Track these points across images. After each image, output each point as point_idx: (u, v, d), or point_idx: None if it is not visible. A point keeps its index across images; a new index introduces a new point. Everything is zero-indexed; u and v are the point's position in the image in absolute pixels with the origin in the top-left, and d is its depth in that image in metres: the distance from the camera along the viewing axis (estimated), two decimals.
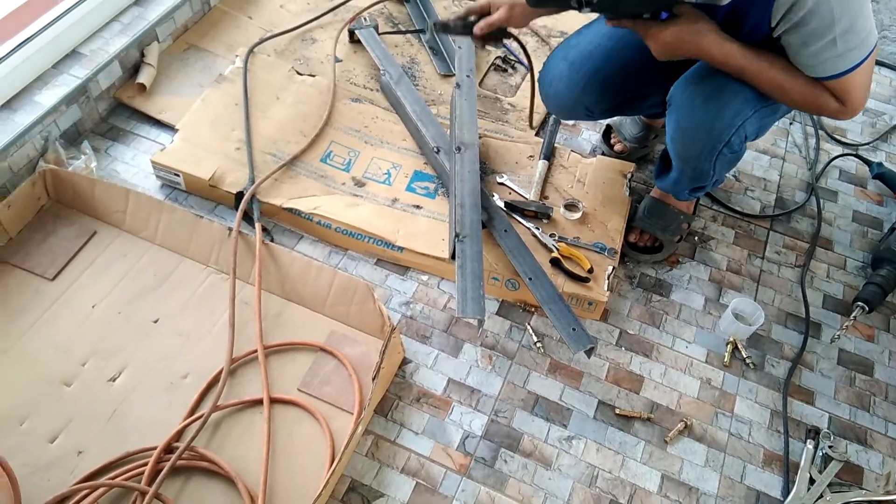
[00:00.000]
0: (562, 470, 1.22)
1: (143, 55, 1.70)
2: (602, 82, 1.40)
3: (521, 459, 1.23)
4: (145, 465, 1.12)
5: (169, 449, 1.15)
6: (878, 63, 2.10)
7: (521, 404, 1.30)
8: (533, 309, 1.42)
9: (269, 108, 1.66)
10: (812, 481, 1.22)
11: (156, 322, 1.32)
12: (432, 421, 1.26)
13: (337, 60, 1.83)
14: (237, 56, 1.75)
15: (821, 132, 1.88)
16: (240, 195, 1.47)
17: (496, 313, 1.42)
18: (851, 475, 1.26)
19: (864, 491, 1.21)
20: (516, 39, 1.56)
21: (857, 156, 1.82)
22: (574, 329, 1.29)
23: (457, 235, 1.35)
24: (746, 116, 1.22)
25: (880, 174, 1.74)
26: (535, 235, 1.47)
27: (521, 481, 1.20)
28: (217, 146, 1.56)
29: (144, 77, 1.66)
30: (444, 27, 1.44)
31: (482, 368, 1.33)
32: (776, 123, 1.87)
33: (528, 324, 1.40)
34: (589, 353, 1.29)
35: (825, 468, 1.24)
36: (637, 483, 1.22)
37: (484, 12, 1.38)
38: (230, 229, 1.39)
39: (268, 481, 1.13)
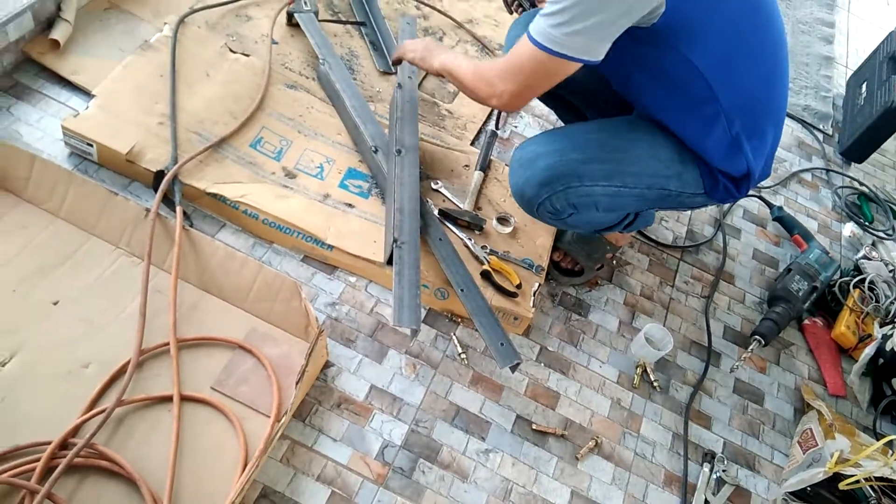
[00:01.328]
0: (478, 483, 1.23)
1: (59, 9, 1.54)
2: None
3: (438, 471, 1.23)
4: (37, 461, 1.02)
5: (65, 445, 1.05)
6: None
7: (442, 415, 1.29)
8: (459, 319, 1.43)
9: (197, 83, 1.57)
10: (706, 503, 1.29)
11: (56, 304, 1.20)
12: (352, 428, 1.23)
13: (273, 42, 1.75)
14: (166, 24, 1.64)
15: None
16: (160, 174, 1.37)
17: (423, 321, 1.41)
18: (741, 499, 1.35)
19: None
20: None
21: (760, 198, 1.96)
22: (503, 344, 1.31)
23: (395, 241, 1.33)
24: (554, 190, 1.24)
25: (780, 217, 1.89)
26: (467, 246, 1.48)
27: (437, 493, 1.20)
28: (137, 118, 1.45)
29: (59, 33, 1.51)
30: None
31: (406, 376, 1.32)
32: None
33: (454, 334, 1.40)
34: (514, 368, 1.31)
35: (719, 491, 1.32)
36: (548, 498, 1.25)
37: None
38: (147, 210, 1.30)
39: (174, 484, 1.06)
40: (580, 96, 1.51)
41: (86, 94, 1.48)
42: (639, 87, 1.24)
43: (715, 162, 1.26)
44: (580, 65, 1.08)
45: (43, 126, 1.44)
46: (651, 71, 1.18)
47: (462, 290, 1.36)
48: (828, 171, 2.14)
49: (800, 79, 2.49)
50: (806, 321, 1.67)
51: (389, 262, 1.35)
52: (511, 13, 1.55)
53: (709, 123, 1.20)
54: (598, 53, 1.06)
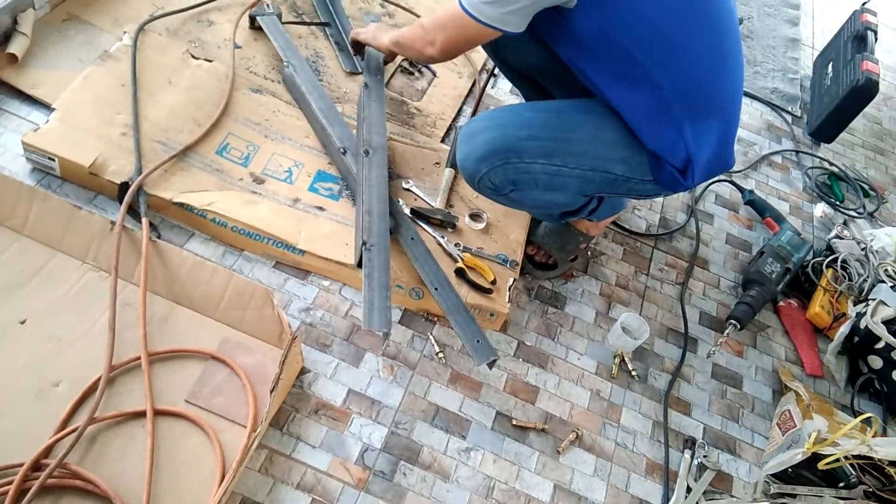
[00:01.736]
0: (460, 482, 1.23)
1: (15, 22, 1.52)
2: None
3: (420, 472, 1.22)
4: (10, 483, 1.00)
5: (37, 466, 1.03)
6: (750, 95, 2.30)
7: (421, 415, 1.29)
8: (436, 319, 1.42)
9: (159, 92, 1.54)
10: (689, 490, 1.30)
11: (22, 323, 1.18)
12: (330, 434, 1.22)
13: (236, 47, 1.73)
14: (125, 33, 1.61)
15: None
16: (125, 186, 1.35)
17: (399, 322, 1.40)
18: (723, 483, 1.36)
19: (734, 498, 1.32)
20: None
21: (731, 182, 1.97)
22: (478, 341, 1.30)
23: (364, 244, 1.32)
24: (493, 165, 1.26)
25: (751, 201, 1.90)
26: (440, 244, 1.47)
27: (419, 494, 1.20)
28: (99, 130, 1.42)
29: (16, 47, 1.48)
30: None
31: (383, 379, 1.31)
32: None
33: (431, 333, 1.39)
34: (491, 364, 1.31)
35: (700, 477, 1.33)
36: (531, 493, 1.25)
37: None
38: (112, 223, 1.28)
39: (150, 501, 1.05)
40: (548, 77, 1.51)
41: (46, 107, 1.46)
42: (579, 63, 1.25)
43: (654, 147, 1.26)
44: (499, 33, 1.17)
45: (3, 142, 1.41)
46: (583, 48, 1.20)
47: (436, 289, 1.35)
48: (798, 152, 2.16)
49: (767, 62, 2.51)
50: (781, 303, 1.69)
51: (360, 265, 1.34)
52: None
53: (645, 106, 1.22)
54: (517, 26, 1.16)
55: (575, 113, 1.30)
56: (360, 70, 1.75)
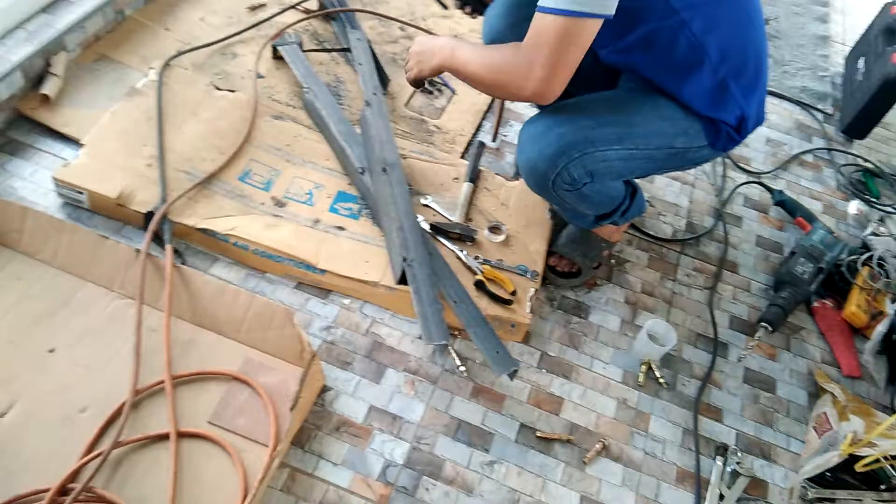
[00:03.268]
0: (484, 496, 1.22)
1: (49, 65, 1.60)
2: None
3: (443, 487, 1.21)
4: None
5: (63, 490, 1.06)
6: (778, 95, 2.25)
7: (443, 430, 1.28)
8: (456, 332, 1.42)
9: (184, 123, 1.60)
10: (721, 497, 1.26)
11: (52, 351, 1.23)
12: (352, 451, 1.22)
13: (259, 76, 1.78)
14: (151, 69, 1.68)
15: (727, 161, 1.98)
16: (149, 215, 1.40)
17: (419, 337, 1.40)
18: (758, 490, 1.31)
19: None
20: None
21: (760, 183, 1.92)
22: (498, 352, 1.30)
23: (404, 259, 1.33)
24: (570, 158, 1.23)
25: (781, 201, 1.85)
26: (459, 258, 1.47)
27: None
28: (126, 162, 1.48)
29: (49, 88, 1.56)
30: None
31: (405, 394, 1.32)
32: None
33: (452, 347, 1.39)
34: (512, 375, 1.30)
35: (733, 483, 1.29)
36: None
37: None
38: (138, 251, 1.32)
39: None
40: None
41: (77, 144, 1.52)
42: (629, 43, 1.24)
43: (710, 112, 1.27)
44: (601, 23, 1.05)
45: (37, 179, 1.48)
46: (638, 23, 1.19)
47: (455, 302, 1.35)
48: (829, 150, 2.09)
49: (796, 61, 2.45)
50: (815, 304, 1.63)
51: (402, 281, 1.36)
52: (463, 10, 1.48)
53: (695, 71, 1.23)
54: (611, 7, 1.04)
55: (631, 97, 1.31)
56: (385, 92, 1.75)
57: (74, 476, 1.08)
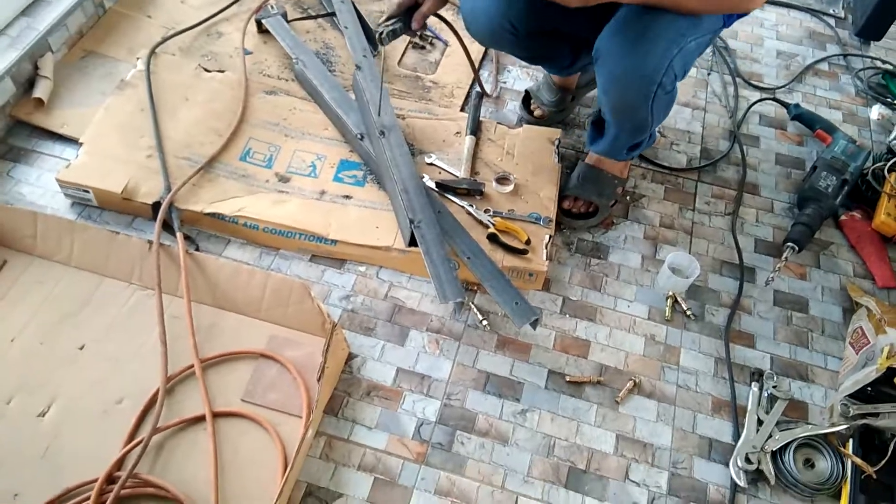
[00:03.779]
0: (519, 444, 1.22)
1: (37, 68, 1.59)
2: None
3: (477, 439, 1.22)
4: (87, 499, 1.06)
5: (111, 479, 1.09)
6: (785, 5, 2.15)
7: (472, 384, 1.28)
8: (475, 287, 1.41)
9: (178, 110, 1.58)
10: (760, 422, 1.25)
11: (81, 348, 1.25)
12: (385, 413, 1.23)
13: (246, 53, 1.75)
14: (138, 59, 1.66)
15: (738, 80, 1.91)
16: (156, 205, 1.40)
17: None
18: (797, 412, 1.29)
19: (811, 425, 1.25)
20: (441, 18, 1.44)
21: (774, 99, 1.85)
22: (517, 303, 1.28)
23: (411, 222, 1.32)
24: (673, 54, 1.22)
25: (798, 115, 1.78)
26: (469, 213, 1.45)
27: (479, 461, 1.19)
28: (126, 156, 1.47)
29: (41, 91, 1.56)
30: (391, 35, 1.33)
31: (430, 353, 1.32)
32: (694, 74, 1.91)
33: (472, 302, 1.38)
34: (534, 324, 1.29)
35: (771, 408, 1.27)
36: (593, 447, 1.23)
37: (411, 4, 1.31)
38: (150, 242, 1.32)
39: (219, 499, 1.09)
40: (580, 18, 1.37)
41: (76, 143, 1.52)
42: None
43: None
44: None
45: (43, 183, 1.49)
46: None
47: (469, 258, 1.34)
48: (845, 55, 2.01)
49: None
50: (843, 216, 1.58)
51: (412, 243, 1.35)
52: (416, 36, 1.40)
53: None
54: None
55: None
56: (375, 52, 1.71)
57: (119, 465, 1.11)
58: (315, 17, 1.88)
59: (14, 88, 1.55)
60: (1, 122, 1.54)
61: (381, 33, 1.31)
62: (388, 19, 1.32)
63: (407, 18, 1.32)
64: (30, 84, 1.58)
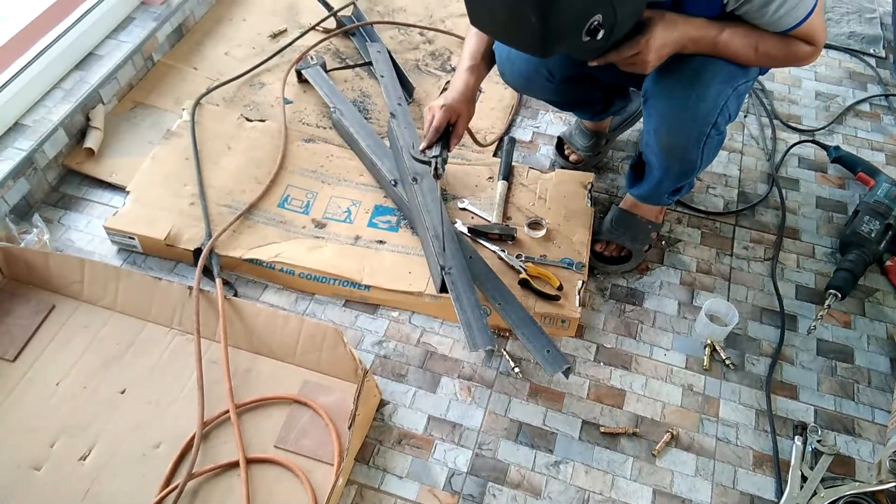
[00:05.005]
0: (552, 497, 1.20)
1: (88, 119, 1.67)
2: None
3: (509, 492, 1.20)
4: None
5: None
6: (825, 46, 2.13)
7: (504, 434, 1.27)
8: (507, 334, 1.40)
9: (220, 158, 1.64)
10: (804, 478, 1.20)
11: (123, 392, 1.28)
12: (416, 462, 1.23)
13: (287, 102, 1.81)
14: (183, 109, 1.73)
15: (776, 122, 1.89)
16: (197, 251, 1.44)
17: None
18: (843, 468, 1.24)
19: (858, 483, 1.20)
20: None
21: (814, 141, 1.83)
22: (549, 351, 1.27)
23: (442, 268, 1.33)
24: (728, 95, 1.23)
25: (839, 157, 1.75)
26: (501, 258, 1.46)
27: None
28: (170, 203, 1.53)
29: (91, 141, 1.63)
30: (443, 165, 1.31)
31: (462, 401, 1.31)
32: None
33: (504, 349, 1.38)
34: (566, 373, 1.27)
35: (816, 463, 1.22)
36: (629, 501, 1.20)
37: (442, 124, 1.32)
38: (190, 288, 1.36)
39: None
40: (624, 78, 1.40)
41: (124, 191, 1.58)
42: None
43: None
44: None
45: (91, 230, 1.55)
46: None
47: (500, 304, 1.34)
48: (887, 96, 1.97)
49: (839, 6, 2.32)
50: (888, 262, 1.53)
51: (443, 290, 1.36)
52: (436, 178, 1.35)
53: None
54: None
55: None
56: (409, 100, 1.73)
57: None
58: (352, 67, 1.94)
59: (67, 139, 1.63)
60: (54, 172, 1.62)
61: (436, 167, 1.30)
62: (429, 146, 1.32)
63: (444, 139, 1.33)
64: (81, 134, 1.66)
